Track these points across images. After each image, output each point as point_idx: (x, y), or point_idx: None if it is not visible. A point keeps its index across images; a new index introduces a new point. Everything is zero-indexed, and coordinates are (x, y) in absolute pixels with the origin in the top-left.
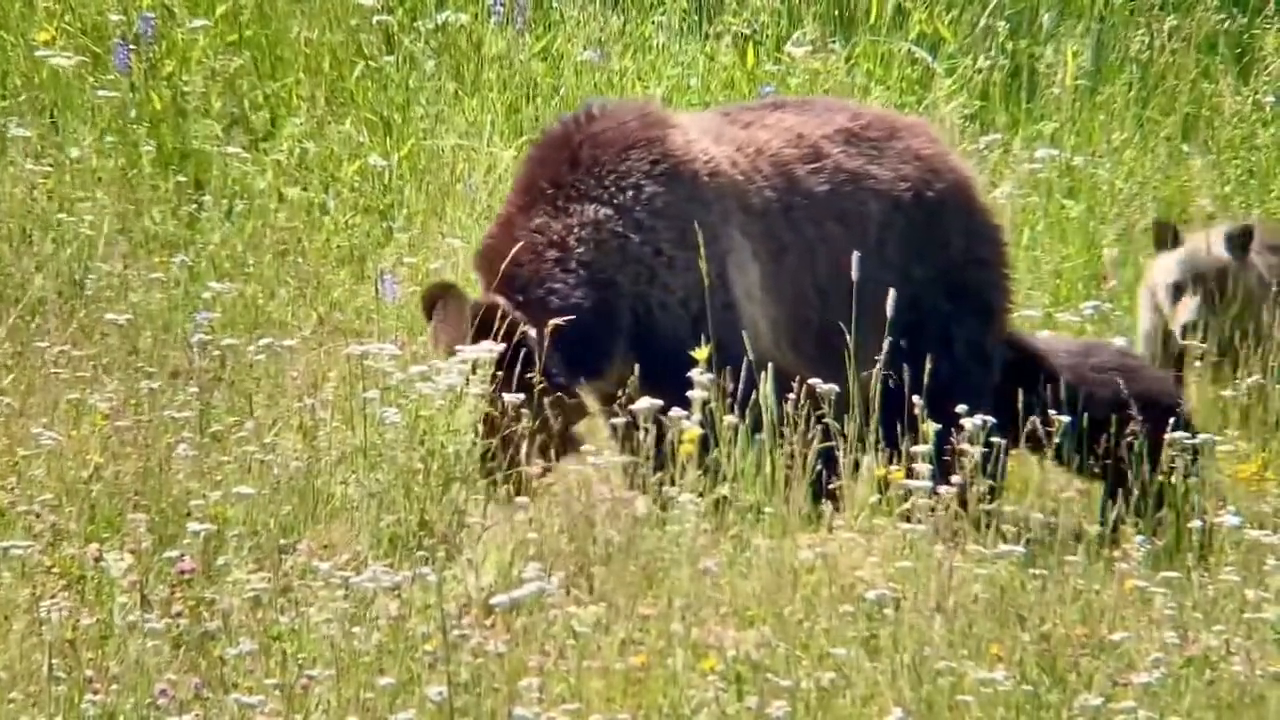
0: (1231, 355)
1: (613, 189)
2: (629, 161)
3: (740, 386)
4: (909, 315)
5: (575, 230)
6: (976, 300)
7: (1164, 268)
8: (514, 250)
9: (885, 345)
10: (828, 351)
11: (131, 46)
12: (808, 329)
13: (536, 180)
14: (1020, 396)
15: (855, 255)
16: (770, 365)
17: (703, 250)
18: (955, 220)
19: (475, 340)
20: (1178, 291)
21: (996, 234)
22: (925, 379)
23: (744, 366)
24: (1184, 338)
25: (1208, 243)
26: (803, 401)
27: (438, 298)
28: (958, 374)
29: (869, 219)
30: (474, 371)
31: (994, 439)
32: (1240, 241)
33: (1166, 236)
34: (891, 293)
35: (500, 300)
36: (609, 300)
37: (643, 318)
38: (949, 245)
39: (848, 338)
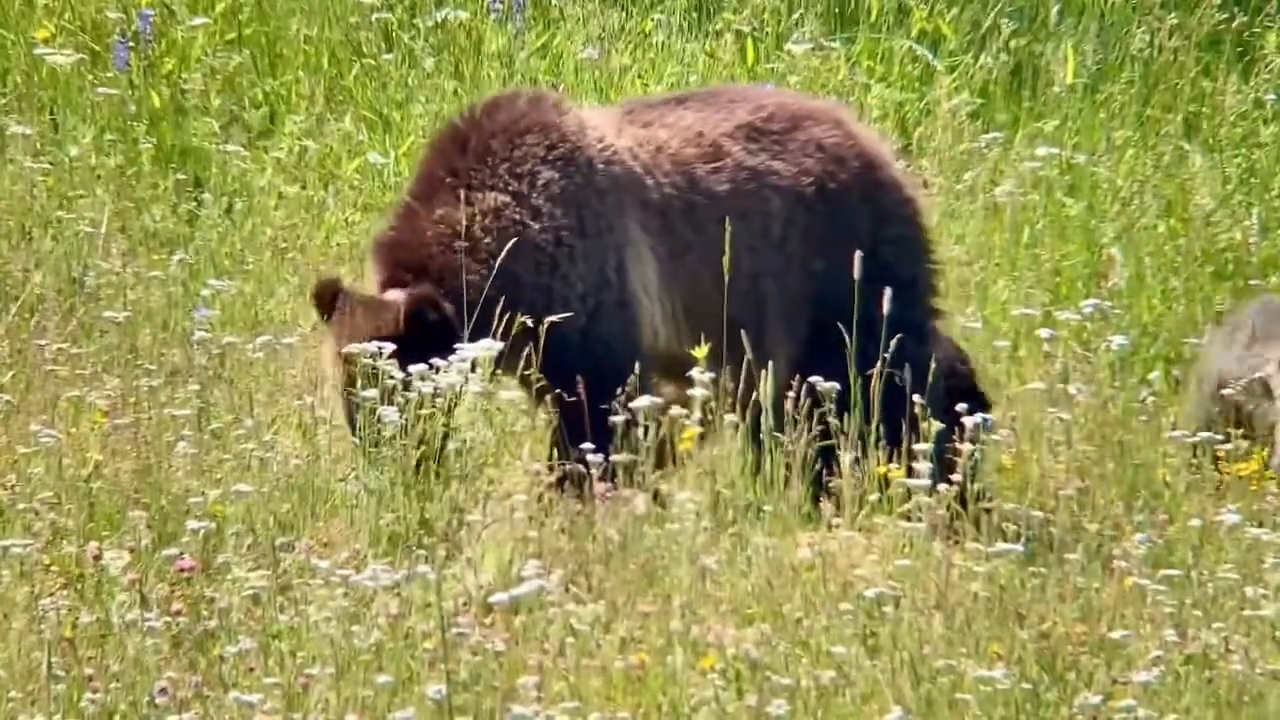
0: None
1: (507, 176)
2: (524, 147)
3: (636, 388)
4: (818, 310)
5: (479, 219)
6: (891, 277)
7: None
8: (423, 242)
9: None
10: (728, 347)
11: (131, 44)
12: (706, 325)
13: (435, 170)
14: None
15: (857, 255)
16: (771, 364)
17: (599, 240)
18: (861, 207)
19: (408, 331)
20: None
21: (908, 208)
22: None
23: (638, 367)
24: None
25: None
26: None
27: (335, 292)
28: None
29: (772, 216)
30: (473, 369)
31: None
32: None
33: None
34: (888, 291)
35: (433, 291)
36: (512, 294)
37: (541, 313)
38: (856, 233)
39: (847, 337)
